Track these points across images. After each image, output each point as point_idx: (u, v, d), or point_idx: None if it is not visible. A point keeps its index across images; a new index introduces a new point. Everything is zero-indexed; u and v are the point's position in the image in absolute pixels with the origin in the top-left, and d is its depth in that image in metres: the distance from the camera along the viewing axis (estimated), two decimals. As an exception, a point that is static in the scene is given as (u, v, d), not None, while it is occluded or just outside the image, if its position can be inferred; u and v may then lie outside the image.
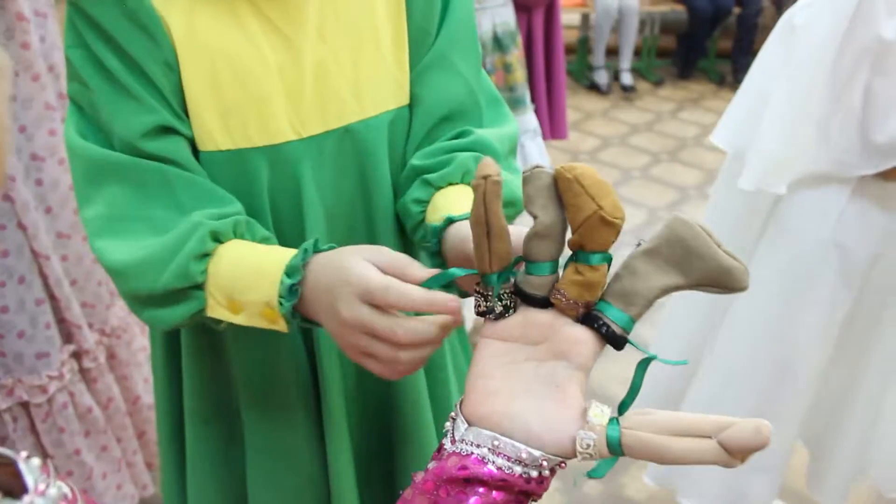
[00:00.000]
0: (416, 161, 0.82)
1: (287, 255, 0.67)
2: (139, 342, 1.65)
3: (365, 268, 0.62)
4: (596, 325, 0.48)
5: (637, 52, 4.82)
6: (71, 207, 1.33)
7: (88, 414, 1.41)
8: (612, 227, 0.46)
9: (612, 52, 4.72)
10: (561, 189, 0.47)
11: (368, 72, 0.79)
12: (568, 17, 4.59)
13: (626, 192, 3.44)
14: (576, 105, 4.42)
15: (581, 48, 4.79)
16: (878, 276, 1.34)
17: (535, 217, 0.48)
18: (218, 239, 0.70)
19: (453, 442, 0.47)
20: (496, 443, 0.45)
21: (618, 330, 0.48)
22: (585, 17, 4.67)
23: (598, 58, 4.60)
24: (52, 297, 1.32)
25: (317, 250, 0.67)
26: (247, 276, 0.68)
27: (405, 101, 0.83)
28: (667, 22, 4.81)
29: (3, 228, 1.20)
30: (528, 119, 2.31)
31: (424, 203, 0.79)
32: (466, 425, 0.47)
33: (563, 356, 0.48)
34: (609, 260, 0.47)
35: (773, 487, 1.52)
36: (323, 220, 0.81)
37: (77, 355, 1.40)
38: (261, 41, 0.74)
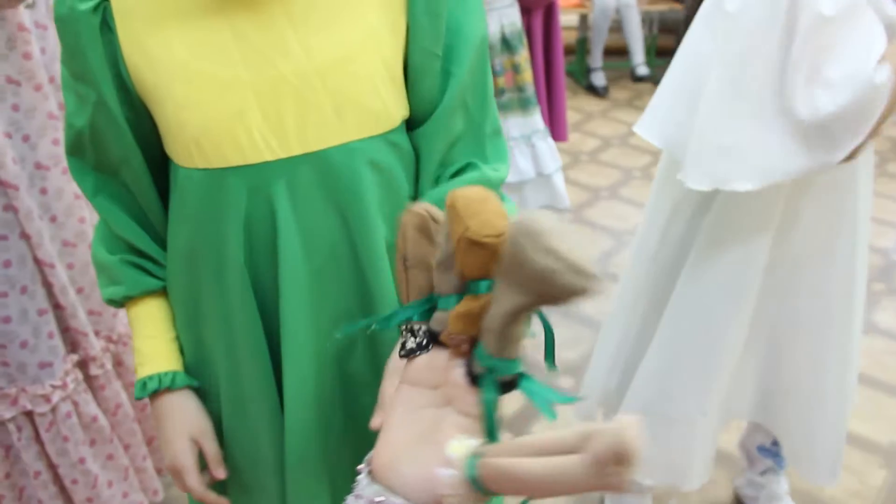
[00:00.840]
0: None
1: (155, 362, 0.87)
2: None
3: (185, 456, 0.86)
4: (466, 367, 0.42)
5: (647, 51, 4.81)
6: (76, 216, 1.33)
7: (93, 423, 1.41)
8: (482, 248, 0.39)
9: (615, 52, 4.72)
10: (447, 215, 0.42)
11: (353, 91, 0.76)
12: (566, 18, 4.59)
13: (627, 192, 3.44)
14: (576, 106, 4.42)
15: (580, 49, 4.79)
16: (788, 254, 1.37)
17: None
18: (130, 297, 0.89)
19: (354, 496, 0.45)
20: (378, 499, 0.42)
21: (478, 370, 0.41)
22: (584, 18, 4.67)
23: (596, 59, 4.59)
24: (58, 306, 1.32)
25: (177, 382, 0.87)
26: (133, 335, 0.90)
27: (388, 126, 0.80)
28: (665, 21, 4.81)
29: (6, 239, 1.20)
30: (538, 119, 2.31)
31: None
32: (368, 479, 0.44)
33: (451, 402, 0.44)
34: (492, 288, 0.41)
35: (706, 461, 1.55)
36: (300, 254, 0.79)
37: (83, 363, 1.40)
38: (234, 56, 0.73)
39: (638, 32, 4.53)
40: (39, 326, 1.28)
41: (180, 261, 0.85)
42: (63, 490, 1.43)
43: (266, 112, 0.74)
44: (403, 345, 0.46)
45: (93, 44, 0.74)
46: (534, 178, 2.32)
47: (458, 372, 0.43)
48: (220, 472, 0.89)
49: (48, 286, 1.28)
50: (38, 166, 1.25)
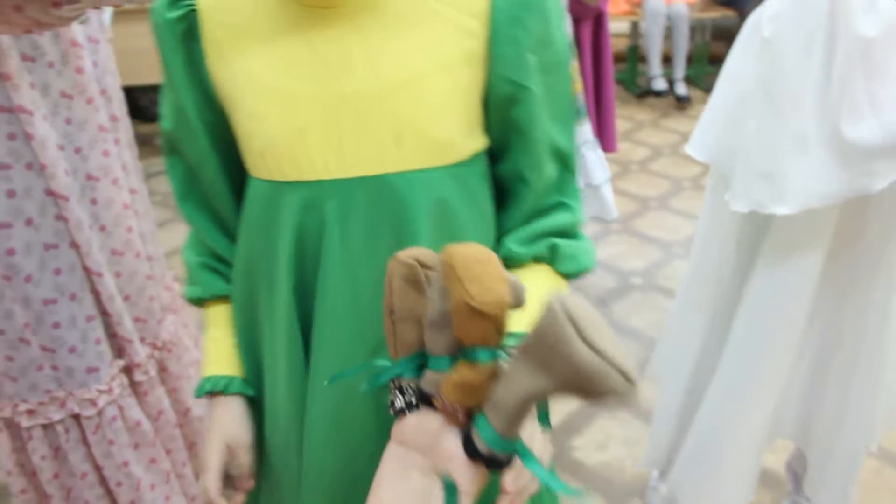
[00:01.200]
0: (513, 246, 0.81)
1: (215, 365, 0.91)
2: (191, 356, 1.69)
3: (212, 458, 0.87)
4: (464, 440, 0.41)
5: (688, 60, 4.75)
6: (124, 226, 1.37)
7: (137, 427, 1.44)
8: (482, 317, 0.37)
9: (667, 59, 4.66)
10: (443, 273, 0.40)
11: (416, 118, 0.73)
12: (617, 26, 4.55)
13: (678, 203, 3.39)
14: (626, 115, 4.38)
15: (631, 56, 4.74)
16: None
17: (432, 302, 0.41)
18: (204, 299, 0.94)
19: None
20: None
21: (482, 448, 0.40)
22: (635, 26, 4.62)
23: (654, 67, 4.54)
24: (105, 313, 1.35)
25: (234, 387, 0.90)
26: (204, 335, 0.95)
27: (454, 158, 0.77)
28: (718, 28, 4.74)
29: (56, 247, 1.23)
30: (587, 130, 2.30)
31: None
32: None
33: (442, 472, 0.42)
34: (496, 357, 0.39)
35: (750, 484, 1.52)
36: (341, 276, 0.78)
37: (128, 369, 1.43)
38: (303, 72, 0.73)
39: (683, 45, 4.48)
40: (87, 333, 1.31)
41: (242, 269, 0.87)
42: (108, 492, 1.47)
43: (327, 130, 0.73)
44: (392, 403, 0.45)
45: (174, 51, 0.77)
46: (582, 189, 2.31)
47: (453, 444, 0.41)
48: (243, 486, 0.91)
49: (96, 294, 1.32)
50: (89, 177, 1.28)
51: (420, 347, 0.43)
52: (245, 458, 0.90)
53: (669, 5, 4.39)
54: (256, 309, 0.87)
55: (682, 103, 4.53)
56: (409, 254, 0.43)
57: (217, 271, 0.91)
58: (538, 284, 0.79)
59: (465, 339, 0.38)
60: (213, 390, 0.89)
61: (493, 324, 0.37)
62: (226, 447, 0.88)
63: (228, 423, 0.89)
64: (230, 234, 0.89)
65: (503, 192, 0.84)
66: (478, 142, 0.79)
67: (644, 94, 4.63)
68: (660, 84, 4.56)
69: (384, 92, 0.72)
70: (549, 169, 0.80)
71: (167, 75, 0.80)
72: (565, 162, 0.82)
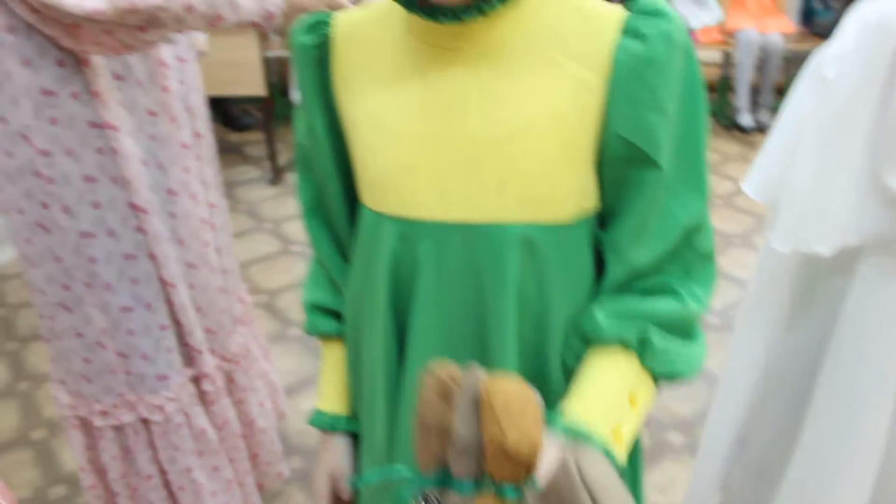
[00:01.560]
0: (600, 317, 0.74)
1: (325, 401, 0.95)
2: (259, 367, 1.73)
3: (320, 488, 0.93)
4: None
5: (781, 91, 4.62)
6: (200, 239, 1.42)
7: (202, 435, 1.48)
8: (514, 462, 0.38)
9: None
10: (480, 406, 0.41)
11: (520, 169, 0.71)
12: (708, 55, 4.47)
13: (761, 241, 3.28)
14: (713, 146, 4.27)
15: (721, 87, 4.64)
16: None
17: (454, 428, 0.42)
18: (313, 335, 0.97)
19: None
20: None
21: None
22: (727, 56, 4.52)
23: (741, 98, 4.44)
24: (177, 323, 1.40)
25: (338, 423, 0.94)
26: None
27: (556, 215, 0.73)
28: (816, 61, 4.60)
29: (135, 258, 1.29)
30: None
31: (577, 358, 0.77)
32: None
33: None
34: (521, 496, 0.40)
35: None
36: (435, 319, 0.77)
37: (197, 379, 1.48)
38: (417, 112, 0.73)
39: (772, 76, 4.39)
40: (160, 341, 1.36)
41: (352, 295, 0.88)
42: (171, 495, 1.51)
43: (433, 171, 0.73)
44: None
45: (307, 73, 0.80)
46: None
47: None
48: None
49: (170, 304, 1.37)
50: (170, 192, 1.33)
51: (444, 459, 0.44)
52: (345, 494, 0.94)
53: (764, 35, 4.28)
54: (359, 343, 0.87)
55: (745, 134, 4.44)
56: (442, 369, 0.45)
57: (327, 311, 0.93)
58: (616, 378, 0.73)
59: (496, 475, 0.39)
60: (322, 426, 0.94)
61: (525, 466, 0.38)
62: (330, 479, 0.94)
63: (331, 459, 0.94)
64: (345, 256, 0.90)
65: (601, 264, 0.78)
66: (585, 202, 0.74)
67: (732, 125, 4.52)
68: (745, 119, 4.45)
69: (493, 139, 0.70)
70: (659, 244, 0.73)
71: (301, 94, 0.83)
72: (688, 239, 0.74)
